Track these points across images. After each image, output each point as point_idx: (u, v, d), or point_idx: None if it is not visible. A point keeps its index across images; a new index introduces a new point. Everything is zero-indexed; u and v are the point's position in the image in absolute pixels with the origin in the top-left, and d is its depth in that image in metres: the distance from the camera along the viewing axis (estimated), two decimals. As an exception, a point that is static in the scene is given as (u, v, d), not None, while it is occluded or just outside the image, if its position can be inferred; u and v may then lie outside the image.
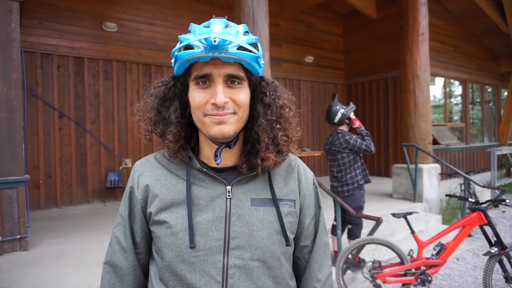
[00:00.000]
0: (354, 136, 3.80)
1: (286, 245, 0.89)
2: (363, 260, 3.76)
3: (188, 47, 0.80)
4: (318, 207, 1.00)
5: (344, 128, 3.91)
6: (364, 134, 3.82)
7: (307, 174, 1.00)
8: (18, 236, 3.63)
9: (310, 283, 0.97)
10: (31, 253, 3.64)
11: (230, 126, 0.83)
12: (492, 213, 6.84)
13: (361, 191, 3.84)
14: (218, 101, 0.80)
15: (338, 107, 3.86)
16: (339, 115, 3.83)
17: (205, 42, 0.77)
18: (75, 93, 6.01)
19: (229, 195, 0.87)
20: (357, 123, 3.89)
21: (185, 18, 7.04)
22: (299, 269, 1.00)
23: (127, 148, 6.52)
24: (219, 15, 0.89)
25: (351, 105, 3.96)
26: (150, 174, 0.92)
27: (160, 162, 0.94)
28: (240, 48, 0.80)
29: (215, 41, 0.76)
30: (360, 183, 3.80)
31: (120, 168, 6.39)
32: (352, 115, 3.89)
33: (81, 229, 4.47)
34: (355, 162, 3.81)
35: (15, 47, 3.62)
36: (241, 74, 0.84)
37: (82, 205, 6.03)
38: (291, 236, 0.91)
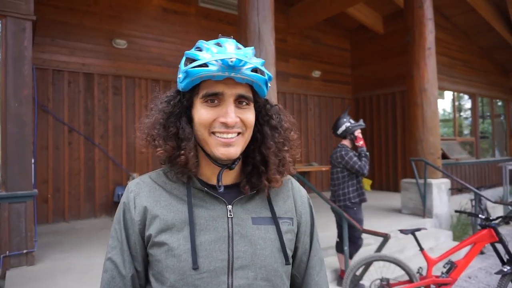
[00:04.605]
0: (351, 153, 3.70)
1: (286, 264, 0.88)
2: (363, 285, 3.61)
3: (202, 65, 0.81)
4: (312, 225, 1.00)
5: (346, 142, 3.84)
6: (363, 154, 3.71)
7: (302, 192, 1.00)
8: (25, 251, 3.64)
9: None
10: (37, 267, 3.64)
11: (237, 148, 0.84)
12: (505, 230, 6.67)
13: (354, 209, 3.68)
14: (230, 121, 0.81)
15: (345, 119, 3.81)
16: (343, 128, 3.79)
17: (221, 62, 0.78)
18: (84, 108, 6.11)
19: (231, 215, 0.86)
20: (361, 142, 3.80)
21: (193, 35, 7.16)
22: (295, 287, 0.99)
23: (135, 163, 6.56)
24: (227, 32, 0.91)
25: (361, 122, 3.89)
26: (148, 195, 0.88)
27: (157, 182, 0.91)
28: (253, 70, 0.82)
29: (231, 61, 0.77)
30: (353, 201, 3.67)
31: (128, 182, 6.41)
32: (358, 133, 3.81)
33: (88, 244, 4.48)
34: (350, 179, 3.70)
35: (26, 64, 3.71)
36: (251, 95, 0.85)
37: (89, 219, 6.04)
38: (290, 254, 0.90)
